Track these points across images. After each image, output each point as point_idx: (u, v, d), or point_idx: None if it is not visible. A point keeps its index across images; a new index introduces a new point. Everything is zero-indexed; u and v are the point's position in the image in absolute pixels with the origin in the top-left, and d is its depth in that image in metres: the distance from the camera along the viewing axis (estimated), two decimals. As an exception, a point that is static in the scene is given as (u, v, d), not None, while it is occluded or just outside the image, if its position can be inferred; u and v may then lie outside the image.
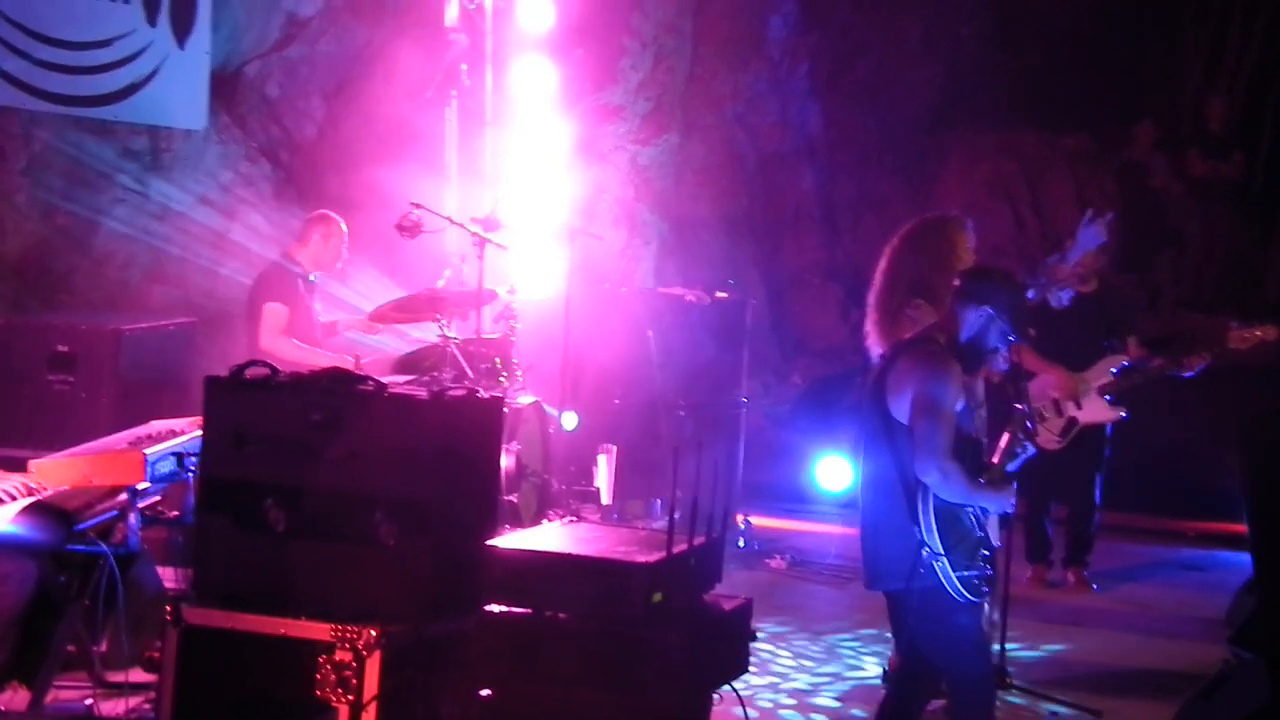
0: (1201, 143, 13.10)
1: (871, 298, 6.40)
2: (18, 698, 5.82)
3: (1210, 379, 8.48)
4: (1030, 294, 8.71)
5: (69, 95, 9.95)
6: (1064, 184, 13.63)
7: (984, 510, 5.18)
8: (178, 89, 10.39)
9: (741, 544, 9.12)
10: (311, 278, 8.53)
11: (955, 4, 13.83)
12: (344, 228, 8.56)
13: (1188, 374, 8.35)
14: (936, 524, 5.04)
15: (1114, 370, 8.52)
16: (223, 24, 10.60)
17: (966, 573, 5.07)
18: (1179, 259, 13.22)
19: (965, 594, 5.08)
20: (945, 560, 5.04)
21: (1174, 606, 8.66)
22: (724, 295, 10.06)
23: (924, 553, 5.03)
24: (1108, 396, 8.51)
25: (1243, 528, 7.59)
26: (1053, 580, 8.92)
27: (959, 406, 5.15)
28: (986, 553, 5.18)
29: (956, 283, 5.36)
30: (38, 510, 5.88)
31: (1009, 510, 5.34)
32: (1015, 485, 5.29)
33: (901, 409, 5.11)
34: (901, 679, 5.53)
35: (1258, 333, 8.16)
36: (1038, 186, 13.69)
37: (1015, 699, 6.77)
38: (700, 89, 12.93)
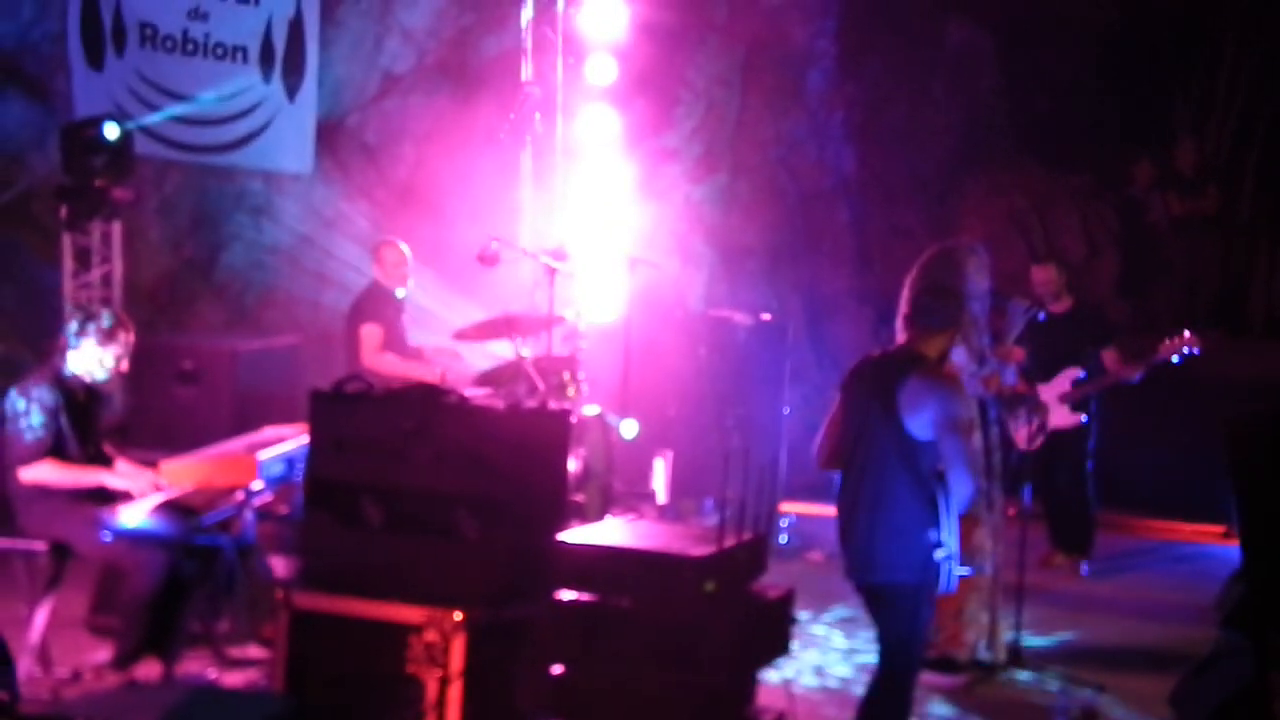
0: (1177, 183, 13.00)
1: (899, 320, 6.42)
2: (152, 670, 5.88)
3: (1201, 393, 8.45)
4: (1041, 315, 8.69)
5: (195, 144, 10.08)
6: (1070, 218, 13.55)
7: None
8: (288, 138, 10.48)
9: (784, 540, 9.07)
10: (398, 294, 8.55)
11: (972, 60, 13.80)
12: (402, 248, 8.49)
13: (1134, 380, 8.40)
14: (953, 528, 5.01)
15: (1071, 381, 8.54)
16: (327, 80, 10.70)
17: (959, 570, 5.05)
18: (1173, 285, 13.13)
19: (953, 587, 5.05)
20: (953, 559, 5.01)
21: (1171, 594, 8.56)
22: (768, 317, 10.02)
23: (939, 553, 4.98)
24: (1069, 404, 8.54)
25: (1230, 525, 7.52)
26: (1056, 565, 8.86)
27: None
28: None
29: (910, 309, 5.31)
30: (168, 507, 5.98)
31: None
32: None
33: (921, 427, 4.99)
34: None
35: (1183, 341, 8.19)
36: (1047, 220, 13.60)
37: (1028, 676, 6.72)
38: (747, 134, 12.91)
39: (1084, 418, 8.58)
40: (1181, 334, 8.28)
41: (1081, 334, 8.69)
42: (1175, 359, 8.22)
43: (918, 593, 5.03)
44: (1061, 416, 8.57)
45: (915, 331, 5.25)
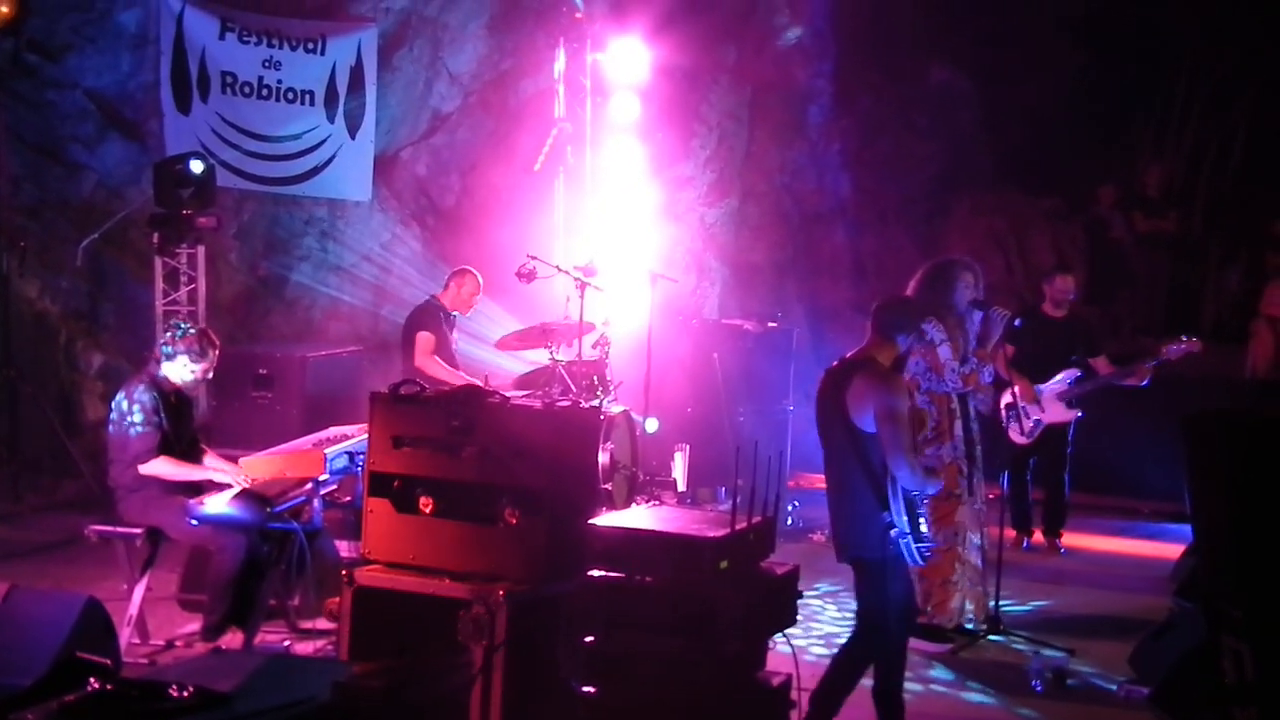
0: (1144, 205, 12.94)
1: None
2: (235, 639, 5.91)
3: (1160, 390, 8.39)
4: (1018, 322, 8.64)
5: (269, 177, 10.13)
6: (1043, 236, 13.54)
7: (923, 492, 5.11)
8: (349, 170, 10.52)
9: (790, 523, 9.05)
10: (453, 315, 8.62)
11: (954, 96, 13.77)
12: (479, 280, 8.60)
13: (1144, 383, 8.27)
14: (903, 508, 4.99)
15: (1069, 381, 8.47)
16: (384, 119, 10.74)
17: (921, 545, 5.03)
18: (1133, 295, 13.10)
19: (920, 561, 5.04)
20: (909, 537, 4.99)
21: (1132, 567, 8.52)
22: (774, 325, 9.99)
23: (893, 532, 4.98)
24: (1066, 401, 8.46)
25: (1184, 507, 7.46)
26: (1030, 546, 8.81)
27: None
28: (926, 528, 5.12)
29: (876, 317, 5.23)
30: (246, 496, 6.00)
31: (933, 492, 5.27)
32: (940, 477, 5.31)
33: (864, 420, 5.00)
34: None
35: (1186, 345, 8.14)
36: (1022, 238, 13.57)
37: (1005, 641, 6.69)
38: (754, 163, 12.90)
39: (1079, 413, 8.51)
40: (1180, 338, 8.22)
41: (1074, 339, 8.62)
42: (1173, 354, 8.14)
43: (882, 566, 5.01)
44: (1058, 413, 8.47)
45: (873, 338, 5.23)
